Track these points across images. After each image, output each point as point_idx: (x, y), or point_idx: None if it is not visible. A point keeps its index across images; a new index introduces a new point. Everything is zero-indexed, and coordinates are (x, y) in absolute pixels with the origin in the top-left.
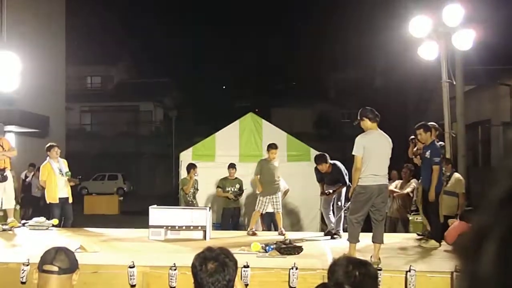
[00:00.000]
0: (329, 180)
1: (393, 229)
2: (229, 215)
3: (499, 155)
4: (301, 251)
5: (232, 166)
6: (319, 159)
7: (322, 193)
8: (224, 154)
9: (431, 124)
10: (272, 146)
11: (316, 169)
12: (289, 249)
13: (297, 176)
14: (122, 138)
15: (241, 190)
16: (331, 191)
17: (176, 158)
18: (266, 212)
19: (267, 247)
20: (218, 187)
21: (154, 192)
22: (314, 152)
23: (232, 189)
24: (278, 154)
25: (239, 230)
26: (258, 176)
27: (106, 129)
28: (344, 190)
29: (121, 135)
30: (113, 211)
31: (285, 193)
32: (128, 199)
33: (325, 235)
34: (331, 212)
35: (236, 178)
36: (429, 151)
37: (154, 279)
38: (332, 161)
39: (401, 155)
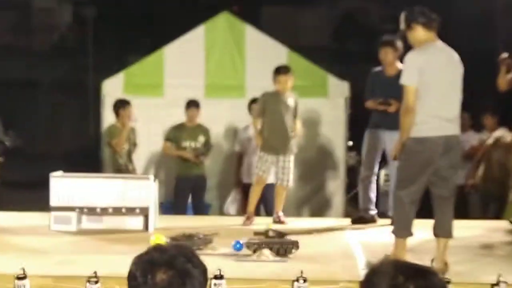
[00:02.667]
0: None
1: (482, 212)
2: (188, 188)
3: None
4: (297, 249)
5: (192, 104)
6: (384, 44)
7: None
8: (179, 84)
9: None
10: (281, 71)
11: (373, 75)
12: (272, 244)
13: (305, 122)
14: (2, 55)
15: (207, 145)
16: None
17: (96, 91)
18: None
19: (235, 244)
20: (167, 139)
21: (58, 149)
22: (333, 83)
23: (193, 145)
24: (291, 84)
25: (204, 214)
26: (259, 121)
27: None
28: None
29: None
30: None
31: None
32: (12, 161)
33: (354, 222)
34: (374, 180)
35: (199, 125)
36: None
37: None
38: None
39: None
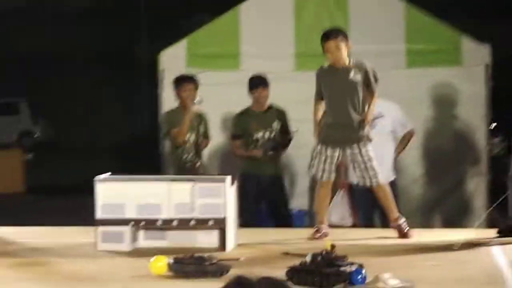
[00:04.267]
0: None
1: None
2: (256, 192)
3: None
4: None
5: (259, 82)
6: None
7: None
8: (259, 54)
9: None
10: (330, 36)
11: None
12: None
13: (432, 100)
14: (30, 20)
15: (285, 136)
16: None
17: (151, 65)
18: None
19: (355, 275)
20: (235, 136)
21: (103, 142)
22: (469, 46)
23: (267, 135)
24: (347, 51)
25: (293, 224)
26: (320, 107)
27: None
28: None
29: (19, 13)
30: (13, 185)
31: (406, 139)
32: (43, 158)
33: (503, 235)
34: None
35: (270, 108)
36: None
37: None
38: None
39: None
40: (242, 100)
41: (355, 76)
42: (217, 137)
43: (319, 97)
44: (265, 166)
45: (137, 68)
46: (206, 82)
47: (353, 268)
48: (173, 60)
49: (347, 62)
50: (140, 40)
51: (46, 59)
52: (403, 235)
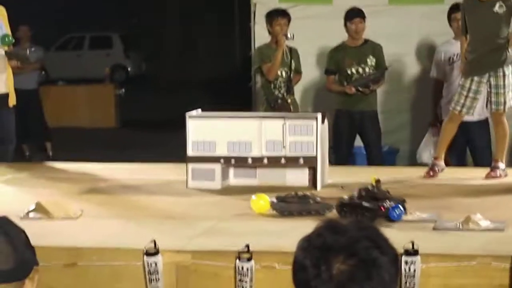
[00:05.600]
0: None
1: None
2: (350, 128)
3: None
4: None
5: (355, 14)
6: None
7: None
8: None
9: None
10: None
11: None
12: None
13: None
14: None
15: (381, 69)
16: None
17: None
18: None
19: (392, 210)
20: (329, 71)
21: (194, 78)
22: None
23: (360, 70)
24: None
25: (385, 163)
26: (465, 39)
27: None
28: None
29: None
30: (105, 121)
31: None
32: (136, 93)
33: None
34: None
35: (366, 42)
36: None
37: (201, 280)
38: None
39: None
40: (334, 34)
41: (500, 8)
42: (311, 72)
43: (464, 32)
44: (358, 102)
45: (230, 1)
46: (298, 16)
47: (393, 203)
48: None
49: None
50: None
51: None
52: (493, 176)
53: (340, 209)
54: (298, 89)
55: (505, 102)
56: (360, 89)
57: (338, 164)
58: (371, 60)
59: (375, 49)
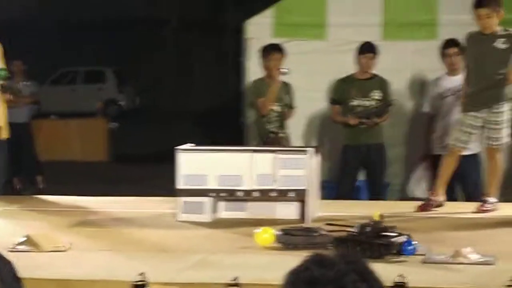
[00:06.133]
0: None
1: None
2: (357, 162)
3: None
4: (389, 253)
5: (367, 49)
6: None
7: None
8: (347, 23)
9: None
10: (482, 2)
11: None
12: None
13: None
14: None
15: (385, 103)
16: None
17: (237, 33)
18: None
19: (405, 245)
20: (334, 102)
21: (187, 111)
22: None
23: (366, 103)
24: (498, 19)
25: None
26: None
27: None
28: None
29: None
30: (97, 155)
31: None
32: (129, 127)
33: None
34: None
35: (374, 77)
36: None
37: None
38: None
39: None
40: (328, 69)
41: (502, 44)
42: (307, 107)
43: (466, 69)
44: (364, 135)
45: (224, 36)
46: (292, 51)
47: (403, 239)
48: (260, 29)
49: (496, 30)
50: (226, 9)
51: (135, 24)
52: (484, 211)
53: (337, 244)
54: (300, 123)
55: (500, 138)
56: (363, 120)
57: (340, 198)
58: (376, 94)
59: (383, 84)
